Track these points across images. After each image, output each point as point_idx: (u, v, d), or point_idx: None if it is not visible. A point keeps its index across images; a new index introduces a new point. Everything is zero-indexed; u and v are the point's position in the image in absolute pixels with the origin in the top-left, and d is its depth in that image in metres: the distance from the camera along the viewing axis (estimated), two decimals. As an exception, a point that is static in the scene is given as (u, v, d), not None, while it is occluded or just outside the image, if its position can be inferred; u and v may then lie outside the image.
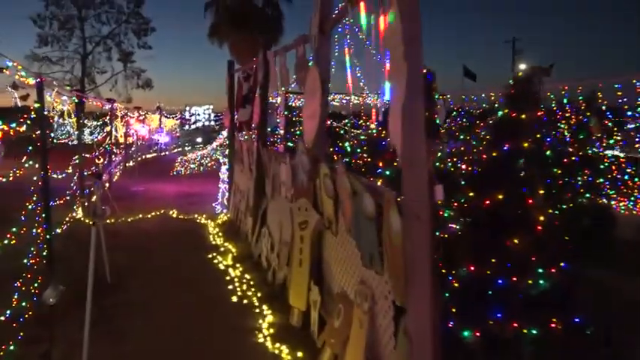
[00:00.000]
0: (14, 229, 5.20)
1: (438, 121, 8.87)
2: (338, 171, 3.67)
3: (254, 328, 4.50)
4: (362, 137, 10.08)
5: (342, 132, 13.03)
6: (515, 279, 3.42)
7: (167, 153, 25.46)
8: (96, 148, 10.88)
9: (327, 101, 4.43)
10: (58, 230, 7.10)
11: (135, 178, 13.41)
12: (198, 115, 45.53)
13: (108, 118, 12.63)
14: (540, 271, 3.44)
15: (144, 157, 21.23)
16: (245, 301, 5.18)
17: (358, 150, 8.84)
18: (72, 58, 41.50)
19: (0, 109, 23.74)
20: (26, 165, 5.49)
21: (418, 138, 2.33)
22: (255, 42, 7.48)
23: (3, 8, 65.96)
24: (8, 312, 4.24)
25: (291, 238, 4.88)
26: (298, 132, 11.65)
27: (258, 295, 5.31)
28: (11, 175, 5.73)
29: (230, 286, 5.61)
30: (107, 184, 12.12)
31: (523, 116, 3.76)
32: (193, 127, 38.80)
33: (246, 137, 8.70)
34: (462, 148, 7.08)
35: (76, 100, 8.67)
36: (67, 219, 8.35)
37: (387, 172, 5.35)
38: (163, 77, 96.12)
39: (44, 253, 5.68)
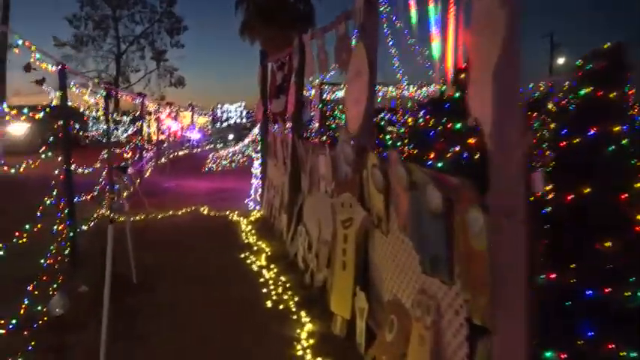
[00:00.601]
0: (27, 226, 4.85)
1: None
2: (390, 160, 3.16)
3: (292, 338, 4.02)
4: (401, 130, 9.49)
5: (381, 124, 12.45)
6: (608, 290, 2.84)
7: (199, 150, 25.33)
8: (126, 144, 10.65)
9: (375, 83, 3.91)
10: (84, 227, 6.79)
11: (166, 174, 13.17)
12: (230, 112, 45.53)
13: (138, 113, 12.40)
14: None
15: (176, 153, 21.10)
16: (281, 306, 4.70)
17: (399, 143, 8.27)
18: (106, 57, 42.21)
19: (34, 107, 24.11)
20: (43, 156, 5.14)
21: (512, 113, 1.79)
22: (287, 38, 7.14)
23: (40, 9, 67.68)
24: (13, 322, 3.85)
25: (333, 238, 4.39)
26: (333, 126, 11.18)
27: (295, 299, 4.83)
28: (21, 167, 5.39)
29: (264, 289, 5.15)
30: (138, 180, 11.90)
31: (612, 95, 3.15)
32: (225, 124, 38.76)
33: (278, 129, 8.24)
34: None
35: (104, 93, 8.39)
36: (95, 215, 8.06)
37: (440, 165, 4.78)
38: (195, 76, 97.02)
39: (67, 252, 5.36)
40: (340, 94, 14.77)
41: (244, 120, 44.29)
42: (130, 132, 28.68)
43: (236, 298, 4.93)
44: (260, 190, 9.49)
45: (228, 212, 9.17)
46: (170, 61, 43.72)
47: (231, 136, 31.78)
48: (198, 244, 7.04)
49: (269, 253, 6.45)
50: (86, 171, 7.32)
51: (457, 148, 4.62)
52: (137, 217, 8.66)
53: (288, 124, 7.16)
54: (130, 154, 7.34)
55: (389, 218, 3.43)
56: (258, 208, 9.36)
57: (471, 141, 4.34)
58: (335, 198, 4.42)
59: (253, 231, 7.68)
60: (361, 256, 3.95)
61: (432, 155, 5.14)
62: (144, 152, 12.77)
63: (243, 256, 6.36)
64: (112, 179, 8.87)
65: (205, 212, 9.34)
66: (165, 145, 17.52)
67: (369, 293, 3.78)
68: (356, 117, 3.95)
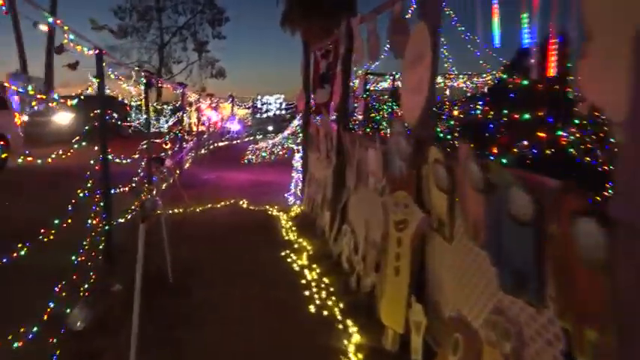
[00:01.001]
0: (56, 221, 4.61)
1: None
2: (461, 155, 2.71)
3: (338, 351, 3.64)
4: (450, 122, 8.94)
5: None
6: None
7: (238, 141, 25.27)
8: (166, 134, 10.50)
9: (437, 67, 3.45)
10: (121, 220, 6.59)
11: (206, 165, 13.03)
12: (270, 104, 45.53)
13: (179, 103, 12.24)
14: None
15: (216, 144, 21.05)
16: (325, 313, 4.33)
17: (449, 136, 7.75)
18: (149, 48, 42.84)
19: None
20: (75, 146, 4.91)
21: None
22: (328, 28, 6.82)
23: (86, 2, 69.37)
24: (34, 330, 3.58)
25: (384, 240, 3.97)
26: (378, 117, 10.71)
27: (340, 305, 4.45)
28: (49, 158, 5.20)
29: (306, 292, 4.79)
30: (177, 172, 11.76)
31: None
32: (264, 115, 38.70)
33: (321, 120, 7.85)
34: None
35: (144, 82, 8.20)
36: (132, 208, 7.88)
37: (504, 160, 4.30)
38: (236, 67, 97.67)
39: (101, 247, 5.14)
40: (385, 84, 14.32)
41: (283, 112, 44.22)
42: (171, 122, 29.00)
43: (277, 301, 4.58)
44: (301, 184, 9.14)
45: (267, 206, 8.87)
46: (211, 52, 44.12)
47: (270, 128, 31.66)
48: (237, 239, 6.75)
49: (311, 252, 6.09)
50: (124, 161, 7.12)
51: (526, 142, 4.14)
52: (175, 210, 8.46)
53: (332, 115, 6.76)
54: (170, 145, 7.12)
55: (453, 223, 2.99)
56: (298, 202, 9.02)
57: (542, 134, 3.84)
58: (387, 196, 3.99)
59: (294, 227, 7.34)
60: (418, 263, 3.52)
61: (494, 150, 4.67)
62: (184, 143, 12.63)
63: (283, 254, 6.03)
64: (150, 171, 8.71)
65: (245, 206, 9.07)
66: (205, 136, 17.43)
67: (427, 305, 3.35)
68: (414, 107, 3.51)
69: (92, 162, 5.24)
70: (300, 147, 9.34)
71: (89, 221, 5.01)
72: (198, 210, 8.66)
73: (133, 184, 7.78)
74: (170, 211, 8.30)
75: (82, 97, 5.79)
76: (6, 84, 22.02)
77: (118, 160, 6.79)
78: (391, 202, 3.80)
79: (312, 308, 4.42)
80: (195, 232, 7.10)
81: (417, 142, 3.49)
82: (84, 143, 5.39)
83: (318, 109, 7.30)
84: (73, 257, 4.33)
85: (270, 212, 8.52)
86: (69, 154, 5.11)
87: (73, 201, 4.71)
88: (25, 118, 21.17)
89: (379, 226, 4.32)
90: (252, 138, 28.02)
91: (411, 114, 3.60)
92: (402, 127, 3.78)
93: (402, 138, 3.72)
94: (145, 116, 31.93)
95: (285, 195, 9.69)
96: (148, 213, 3.65)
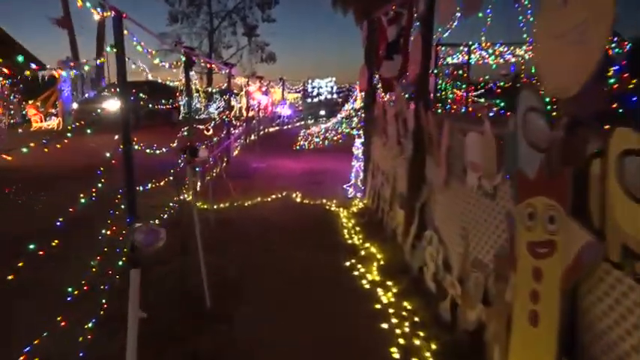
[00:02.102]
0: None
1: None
2: None
3: None
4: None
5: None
6: None
7: (289, 126, 24.30)
8: (212, 120, 9.56)
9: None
10: (155, 222, 5.62)
11: (256, 152, 12.05)
12: (320, 87, 44.42)
13: (225, 85, 11.27)
14: None
15: (266, 130, 20.14)
16: (413, 360, 3.16)
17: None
18: (199, 34, 42.55)
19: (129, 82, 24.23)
20: (69, 135, 3.95)
21: None
22: (382, 4, 5.80)
23: (141, -9, 70.18)
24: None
25: (506, 265, 2.73)
26: (451, 95, 9.33)
27: (432, 347, 3.26)
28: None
29: (384, 324, 3.63)
30: (225, 160, 10.83)
31: None
32: (315, 99, 37.60)
33: (391, 99, 6.61)
34: None
35: (183, 59, 7.18)
36: (171, 204, 6.96)
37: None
38: (286, 51, 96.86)
39: (120, 263, 4.15)
40: (458, 58, 12.74)
41: (335, 95, 43.08)
42: (220, 108, 28.33)
43: (344, 340, 3.45)
44: (362, 174, 7.95)
45: (324, 200, 7.74)
46: (261, 36, 43.38)
47: (322, 112, 30.55)
48: (290, 243, 5.65)
49: (382, 261, 4.93)
50: (158, 151, 6.17)
51: None
52: (221, 205, 7.48)
53: (399, 92, 5.50)
54: (212, 131, 6.11)
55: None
56: (360, 195, 7.85)
57: None
58: (518, 204, 2.74)
59: (357, 227, 6.18)
60: (568, 309, 2.28)
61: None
62: (231, 129, 11.67)
63: (347, 264, 4.89)
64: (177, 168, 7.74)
65: (298, 199, 7.98)
66: (254, 121, 16.48)
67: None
68: (570, 66, 2.23)
69: (108, 155, 4.23)
70: (360, 132, 8.14)
71: (103, 232, 4.02)
72: (246, 204, 7.65)
73: (171, 177, 6.82)
74: (215, 207, 7.32)
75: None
76: (55, 73, 22.03)
77: (149, 151, 5.82)
78: (523, 213, 2.54)
79: (394, 352, 3.25)
80: (241, 233, 6.06)
81: (573, 123, 2.22)
82: (69, 135, 4.37)
83: (388, 86, 6.05)
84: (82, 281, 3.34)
85: (327, 207, 7.39)
86: (46, 149, 4.06)
87: (71, 209, 3.71)
88: (75, 106, 21.03)
89: (490, 242, 3.10)
90: (303, 123, 27.02)
91: (562, 78, 2.32)
92: (539, 100, 2.51)
93: (540, 116, 2.46)
94: (196, 102, 31.49)
95: (344, 186, 8.54)
96: (139, 249, 2.40)
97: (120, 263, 3.97)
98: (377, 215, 6.42)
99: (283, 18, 79.70)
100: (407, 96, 5.46)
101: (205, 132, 6.27)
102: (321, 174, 10.39)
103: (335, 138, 16.42)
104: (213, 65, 8.76)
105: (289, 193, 8.38)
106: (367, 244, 5.44)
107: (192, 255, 4.15)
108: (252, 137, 15.61)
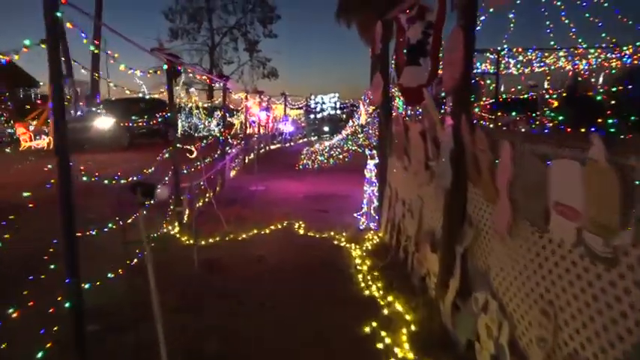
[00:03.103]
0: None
1: None
2: None
3: None
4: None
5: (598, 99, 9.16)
6: None
7: (292, 143, 23.22)
8: (198, 140, 8.45)
9: None
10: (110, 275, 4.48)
11: (254, 173, 10.90)
12: (324, 103, 43.51)
13: (219, 100, 10.17)
14: None
15: (267, 147, 19.03)
16: None
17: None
18: (200, 50, 41.83)
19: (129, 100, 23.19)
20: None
21: None
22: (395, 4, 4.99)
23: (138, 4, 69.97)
24: None
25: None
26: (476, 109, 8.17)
27: None
28: None
29: None
30: (219, 183, 9.68)
31: None
32: (319, 115, 36.63)
33: (414, 113, 5.47)
34: None
35: (165, 67, 6.09)
36: (151, 236, 5.80)
37: None
38: (288, 67, 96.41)
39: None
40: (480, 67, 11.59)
41: (338, 111, 42.19)
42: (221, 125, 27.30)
43: None
44: (376, 201, 6.79)
45: (332, 233, 6.56)
46: (263, 52, 42.66)
47: (326, 129, 29.54)
48: (291, 296, 4.45)
49: (412, 327, 3.73)
50: (113, 181, 5.05)
51: None
52: (210, 240, 6.31)
53: (429, 103, 4.36)
54: (195, 154, 4.99)
55: None
56: (374, 227, 6.67)
57: None
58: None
59: (374, 271, 4.98)
60: None
61: None
62: (227, 148, 10.54)
63: (367, 329, 3.70)
64: (178, 186, 6.60)
65: (301, 231, 6.80)
66: (254, 138, 15.36)
67: None
68: None
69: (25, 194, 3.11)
70: (373, 152, 6.99)
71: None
72: (240, 238, 6.48)
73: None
74: (202, 242, 6.17)
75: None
76: (47, 90, 21.06)
77: (107, 181, 4.70)
78: None
79: None
80: (229, 280, 4.88)
81: None
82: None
83: (412, 97, 4.90)
84: None
85: (336, 242, 6.21)
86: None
87: None
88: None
89: (605, 336, 1.94)
90: (306, 140, 25.95)
91: None
92: None
93: None
94: (195, 120, 30.48)
95: (355, 215, 7.36)
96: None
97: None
98: (398, 255, 5.24)
99: (285, 34, 79.34)
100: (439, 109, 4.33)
101: (188, 155, 5.14)
102: (327, 199, 9.22)
103: (341, 156, 15.27)
104: (204, 77, 7.66)
105: (291, 223, 7.21)
106: (390, 297, 4.25)
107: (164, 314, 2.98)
108: (252, 156, 14.48)
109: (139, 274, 4.89)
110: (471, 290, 3.37)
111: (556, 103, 10.79)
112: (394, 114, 5.69)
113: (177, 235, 6.52)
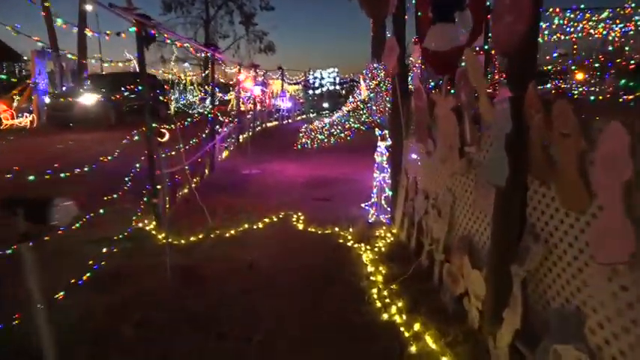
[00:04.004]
0: None
1: None
2: None
3: None
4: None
5: None
6: None
7: (290, 121, 22.07)
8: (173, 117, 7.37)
9: None
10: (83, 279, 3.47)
11: (248, 155, 9.84)
12: (323, 79, 42.15)
13: (207, 72, 9.03)
14: None
15: (263, 125, 17.90)
16: None
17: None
18: (195, 23, 40.25)
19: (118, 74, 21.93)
20: None
21: None
22: None
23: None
24: None
25: None
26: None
27: None
28: None
29: None
30: (207, 170, 8.65)
31: None
32: (318, 91, 35.35)
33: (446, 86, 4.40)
34: None
35: (134, 30, 4.98)
36: (120, 236, 4.84)
37: None
38: (286, 41, 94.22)
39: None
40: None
41: (337, 87, 40.92)
42: (218, 101, 26.05)
43: None
44: (387, 190, 5.76)
45: (336, 228, 5.55)
46: (260, 26, 41.10)
47: (325, 105, 28.37)
48: (287, 325, 3.43)
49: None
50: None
51: None
52: (191, 238, 5.31)
53: (471, 68, 3.30)
54: (167, 138, 3.99)
55: None
56: (385, 220, 5.67)
57: None
58: None
59: (392, 283, 3.97)
60: None
61: None
62: (217, 127, 9.47)
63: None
64: (153, 176, 5.55)
65: (300, 226, 5.79)
66: (248, 116, 14.23)
67: None
68: None
69: None
70: (384, 132, 5.93)
71: None
72: (227, 235, 5.47)
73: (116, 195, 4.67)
74: (181, 241, 5.18)
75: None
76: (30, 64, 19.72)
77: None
78: None
79: None
80: (207, 298, 3.86)
81: None
82: None
83: (443, 63, 3.81)
84: None
85: (341, 240, 5.19)
86: None
87: None
88: (47, 100, 18.75)
89: None
90: (304, 117, 24.79)
91: None
92: None
93: None
94: (189, 96, 29.19)
95: (362, 205, 6.34)
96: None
97: None
98: (420, 261, 4.23)
99: (282, 6, 77.18)
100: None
101: (159, 138, 4.09)
102: (329, 184, 8.18)
103: (342, 135, 14.17)
104: (187, 46, 6.61)
105: (288, 214, 6.20)
106: (416, 325, 3.24)
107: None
108: (246, 135, 13.39)
109: (101, 289, 3.92)
110: (542, 335, 2.37)
111: (581, 75, 9.65)
112: (414, 85, 4.61)
113: (154, 232, 5.51)
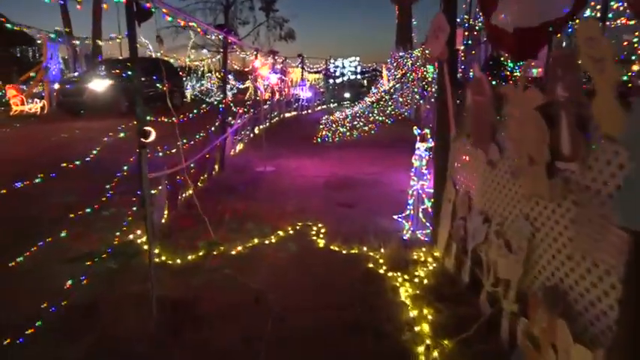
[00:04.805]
0: None
1: None
2: None
3: None
4: None
5: None
6: None
7: (309, 111, 21.05)
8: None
9: None
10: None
11: (263, 149, 8.86)
12: (344, 67, 40.97)
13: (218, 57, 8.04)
14: None
15: (281, 116, 16.91)
16: None
17: None
18: (214, 9, 39.35)
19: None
20: None
21: None
22: None
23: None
24: None
25: None
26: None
27: None
28: None
29: None
30: (216, 165, 7.73)
31: None
32: (339, 80, 34.18)
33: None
34: None
35: (122, 1, 4.05)
36: (105, 252, 3.93)
37: None
38: (306, 29, 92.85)
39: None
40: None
41: (359, 76, 39.74)
42: (236, 89, 25.11)
43: None
44: (427, 202, 4.76)
45: (365, 248, 4.57)
46: (280, 12, 40.10)
47: (347, 95, 27.26)
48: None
49: None
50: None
51: None
52: (189, 257, 4.38)
53: (560, 58, 2.28)
54: (153, 137, 3.15)
55: None
56: (423, 237, 4.68)
57: None
58: None
59: (444, 338, 2.97)
60: None
61: None
62: (229, 119, 8.53)
63: None
64: (145, 177, 4.62)
65: (320, 243, 4.81)
66: (265, 106, 13.25)
67: None
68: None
69: None
70: (425, 131, 4.91)
71: None
72: (233, 252, 4.54)
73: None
74: (176, 260, 4.28)
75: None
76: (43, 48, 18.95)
77: None
78: None
79: None
80: (196, 355, 2.93)
81: None
82: None
83: (524, 46, 2.77)
84: None
85: (372, 265, 4.21)
86: None
87: None
88: (56, 86, 17.97)
89: None
90: (325, 107, 23.73)
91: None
92: None
93: None
94: (206, 83, 28.30)
95: (395, 217, 5.35)
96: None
97: None
98: (472, 298, 3.23)
99: (305, -4, 75.78)
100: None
101: (143, 139, 3.15)
102: (352, 186, 7.18)
103: (367, 128, 13.12)
104: (192, 24, 5.70)
105: (306, 225, 5.25)
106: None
107: None
108: (263, 126, 12.43)
109: (65, 333, 3.01)
110: None
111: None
112: (475, 74, 3.57)
113: (145, 247, 4.60)
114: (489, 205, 3.38)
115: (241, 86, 16.66)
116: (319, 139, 12.17)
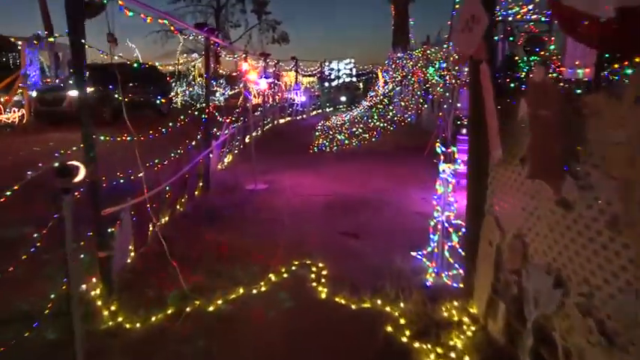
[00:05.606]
0: None
1: None
2: None
3: None
4: None
5: None
6: None
7: (304, 116, 20.07)
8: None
9: None
10: None
11: (254, 162, 7.84)
12: (339, 70, 40.10)
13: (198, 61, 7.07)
14: None
15: (274, 122, 15.92)
16: None
17: None
18: (205, 12, 38.49)
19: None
20: None
21: None
22: None
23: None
24: None
25: None
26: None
27: None
28: None
29: None
30: (197, 185, 6.73)
31: None
32: (334, 83, 33.27)
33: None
34: None
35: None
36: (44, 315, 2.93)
37: None
38: (300, 32, 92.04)
39: None
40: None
41: (354, 79, 38.85)
42: (229, 94, 24.09)
43: None
44: (453, 235, 3.78)
45: (379, 301, 3.58)
46: (273, 15, 39.26)
47: (343, 98, 26.30)
48: None
49: None
50: None
51: None
52: (152, 319, 3.39)
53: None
54: (82, 172, 2.25)
55: None
56: (450, 281, 3.70)
57: None
58: None
59: None
60: None
61: None
62: (214, 130, 7.53)
63: None
64: (98, 206, 3.60)
65: (322, 292, 3.82)
66: (257, 113, 12.26)
67: None
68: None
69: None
70: (452, 149, 3.94)
71: None
72: (210, 309, 3.54)
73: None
74: (136, 325, 3.29)
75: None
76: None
77: None
78: None
79: None
80: None
81: None
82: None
83: (623, 35, 1.82)
84: None
85: (390, 329, 3.22)
86: None
87: None
88: (34, 94, 16.90)
89: None
90: (320, 111, 22.77)
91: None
92: None
93: None
94: (197, 89, 27.29)
95: (413, 254, 4.37)
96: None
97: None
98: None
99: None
100: None
101: (63, 180, 2.17)
102: (357, 207, 6.19)
103: (367, 135, 12.13)
104: (166, 22, 4.80)
105: (303, 265, 4.27)
106: None
107: None
108: (255, 134, 11.44)
109: None
110: None
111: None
112: (535, 79, 2.60)
113: (99, 303, 3.59)
114: (563, 262, 2.40)
115: (229, 93, 15.70)
116: (316, 148, 11.19)
